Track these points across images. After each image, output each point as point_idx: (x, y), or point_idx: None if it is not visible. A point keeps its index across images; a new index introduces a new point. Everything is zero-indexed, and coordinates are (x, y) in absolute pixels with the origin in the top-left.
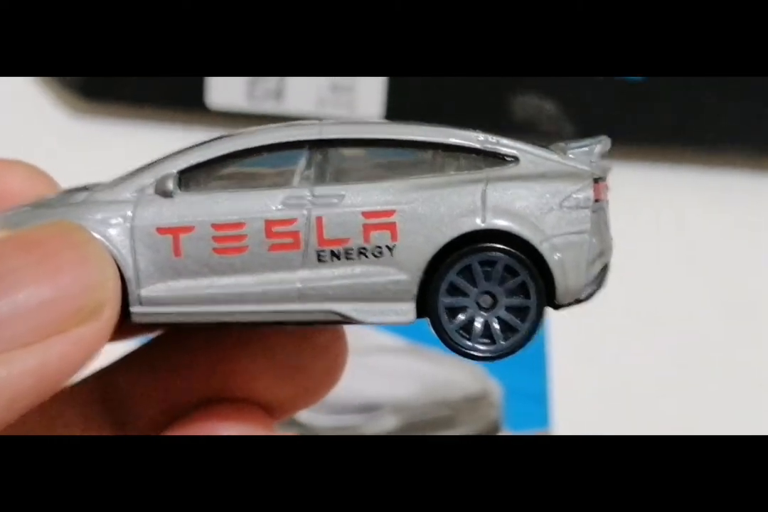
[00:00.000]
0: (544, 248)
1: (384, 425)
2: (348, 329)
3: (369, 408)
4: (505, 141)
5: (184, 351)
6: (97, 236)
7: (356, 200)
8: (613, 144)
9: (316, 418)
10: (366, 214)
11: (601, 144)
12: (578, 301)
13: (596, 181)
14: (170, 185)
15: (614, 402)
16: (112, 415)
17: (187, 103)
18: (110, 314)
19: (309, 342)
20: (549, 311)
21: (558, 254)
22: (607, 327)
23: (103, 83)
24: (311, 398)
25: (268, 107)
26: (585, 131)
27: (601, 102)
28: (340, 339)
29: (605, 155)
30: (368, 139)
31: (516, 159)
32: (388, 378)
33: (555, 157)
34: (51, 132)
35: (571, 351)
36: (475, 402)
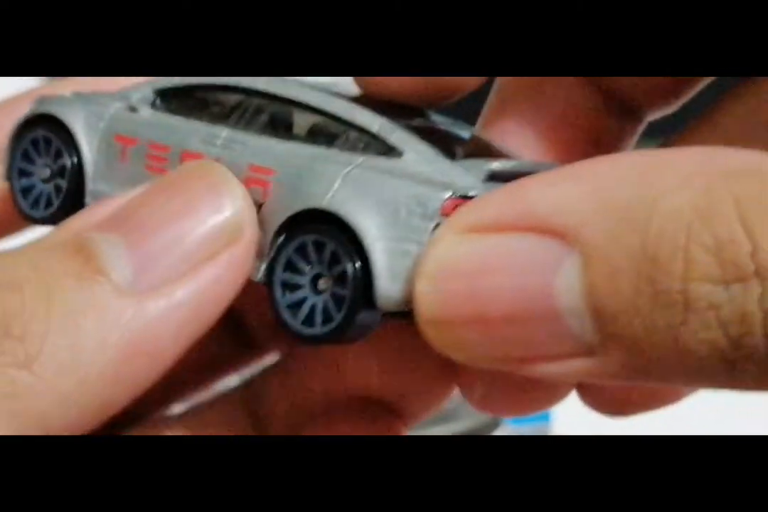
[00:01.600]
0: (371, 245)
1: None
2: None
3: None
4: (400, 133)
5: (308, 354)
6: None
7: (251, 151)
8: None
9: None
10: (252, 167)
11: (499, 163)
12: (404, 314)
13: (463, 197)
14: (135, 101)
15: None
16: (253, 417)
17: None
18: (250, 233)
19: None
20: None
21: (385, 256)
22: None
23: None
24: (432, 399)
25: None
26: None
27: None
28: None
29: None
30: (295, 101)
31: (400, 153)
32: None
33: (444, 162)
34: None
35: None
36: None
